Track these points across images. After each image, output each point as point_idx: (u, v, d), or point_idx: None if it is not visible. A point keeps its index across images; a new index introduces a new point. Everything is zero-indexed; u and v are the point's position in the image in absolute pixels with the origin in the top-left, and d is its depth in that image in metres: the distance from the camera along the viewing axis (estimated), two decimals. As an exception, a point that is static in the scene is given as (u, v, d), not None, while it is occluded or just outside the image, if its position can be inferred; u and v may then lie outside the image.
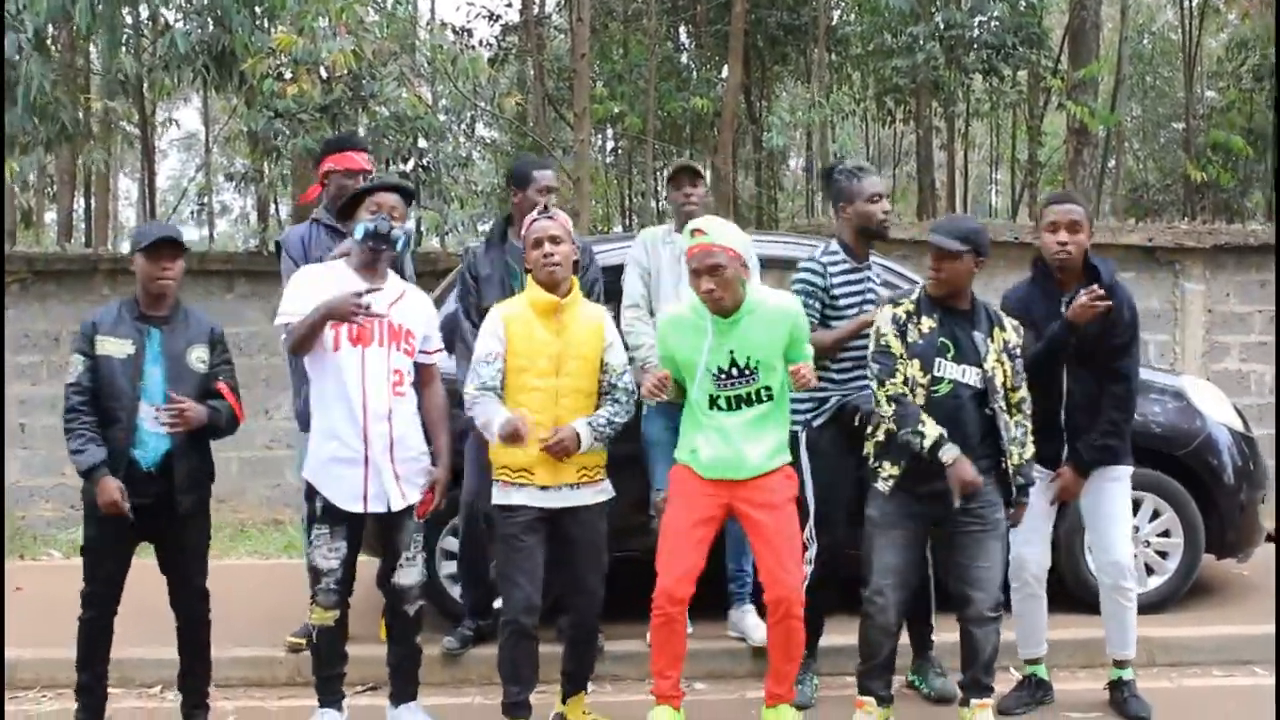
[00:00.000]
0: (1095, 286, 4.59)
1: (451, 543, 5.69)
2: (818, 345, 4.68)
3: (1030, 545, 4.85)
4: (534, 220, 4.57)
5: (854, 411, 4.82)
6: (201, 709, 4.76)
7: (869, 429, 4.62)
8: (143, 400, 4.44)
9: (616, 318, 5.23)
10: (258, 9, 10.06)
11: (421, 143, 10.13)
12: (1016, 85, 16.02)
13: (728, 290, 4.38)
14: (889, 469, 4.48)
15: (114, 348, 4.47)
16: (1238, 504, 6.06)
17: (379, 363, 4.44)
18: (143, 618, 4.93)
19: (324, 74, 9.29)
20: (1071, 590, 5.77)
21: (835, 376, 4.92)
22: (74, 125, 10.42)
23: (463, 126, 15.37)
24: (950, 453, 4.27)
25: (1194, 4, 18.49)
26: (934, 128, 17.25)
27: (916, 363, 4.40)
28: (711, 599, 5.47)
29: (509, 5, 17.25)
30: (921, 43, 13.51)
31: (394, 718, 4.68)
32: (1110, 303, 4.59)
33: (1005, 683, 4.99)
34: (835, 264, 4.97)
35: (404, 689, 4.68)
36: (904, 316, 4.47)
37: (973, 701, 4.51)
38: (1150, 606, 5.59)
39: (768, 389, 4.48)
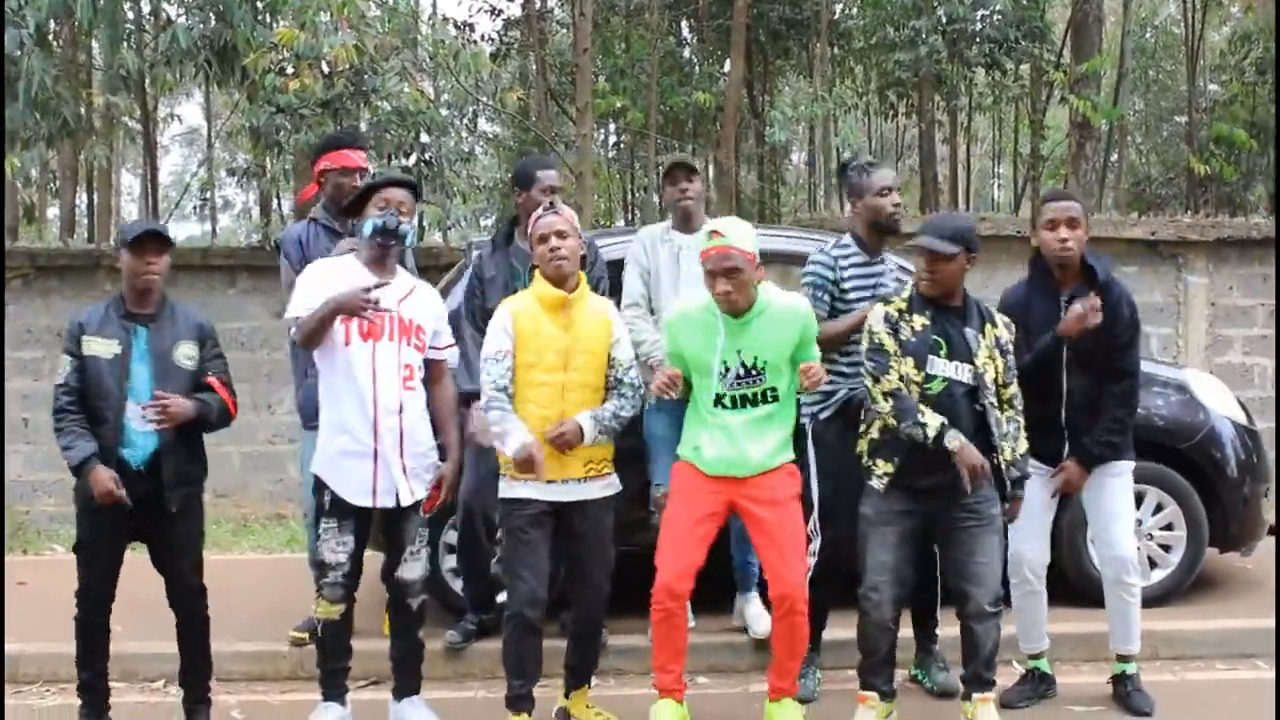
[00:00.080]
0: (1094, 296, 4.59)
1: (454, 537, 5.69)
2: (823, 336, 4.68)
3: (1029, 541, 4.85)
4: (539, 216, 4.58)
5: (860, 405, 4.83)
6: (204, 704, 4.75)
7: (862, 427, 4.63)
8: (130, 399, 4.42)
9: (617, 313, 5.23)
10: (259, 4, 10.06)
11: (423, 138, 10.11)
12: (1019, 79, 16.01)
13: (743, 293, 4.39)
14: (883, 466, 4.48)
15: (101, 348, 4.45)
16: (1241, 497, 6.06)
17: (390, 357, 4.44)
18: (145, 612, 4.94)
19: (326, 69, 9.27)
20: (1074, 584, 5.77)
21: (844, 370, 4.92)
22: (76, 121, 10.40)
23: (465, 121, 15.33)
24: (955, 439, 4.28)
25: (1197, -3, 18.47)
26: (936, 121, 17.24)
27: (910, 360, 4.40)
28: (714, 593, 5.48)
29: (511, 0, 17.26)
30: (924, 36, 13.50)
31: (397, 712, 4.68)
32: (1100, 319, 4.59)
33: (1008, 676, 5.00)
34: (847, 257, 4.98)
35: (407, 683, 4.69)
36: (896, 314, 4.47)
37: (975, 696, 4.51)
38: (1153, 600, 5.60)
39: (773, 390, 4.48)
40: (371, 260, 4.53)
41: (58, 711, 5.10)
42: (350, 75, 9.22)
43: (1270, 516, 6.37)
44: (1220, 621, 5.76)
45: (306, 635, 5.46)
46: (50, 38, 10.73)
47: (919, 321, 4.45)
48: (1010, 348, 4.54)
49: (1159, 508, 5.95)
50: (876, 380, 4.42)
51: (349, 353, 4.41)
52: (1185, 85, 19.24)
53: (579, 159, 10.84)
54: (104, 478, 4.31)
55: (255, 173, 11.24)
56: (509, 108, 13.12)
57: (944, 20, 13.63)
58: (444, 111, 12.34)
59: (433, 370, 4.65)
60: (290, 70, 9.12)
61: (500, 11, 17.16)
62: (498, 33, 17.21)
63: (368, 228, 4.49)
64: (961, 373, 4.41)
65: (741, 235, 4.42)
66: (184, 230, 30.42)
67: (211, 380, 4.58)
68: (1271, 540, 6.48)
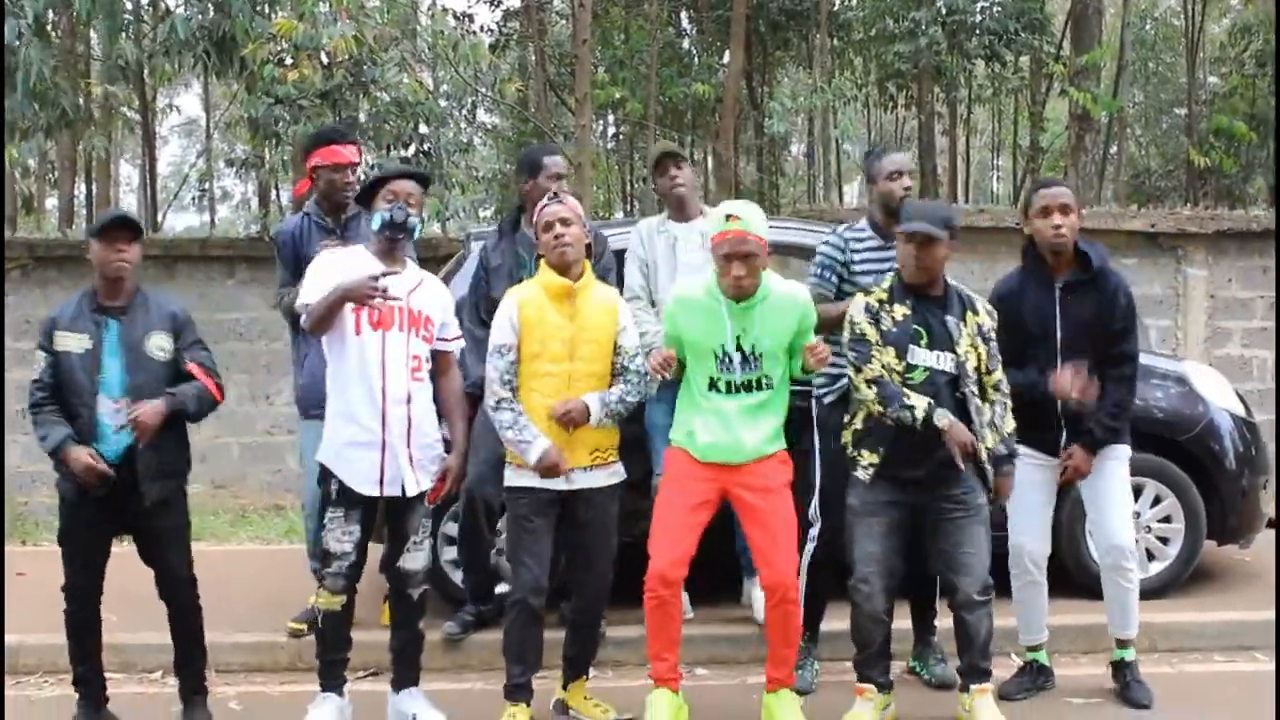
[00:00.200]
0: (1095, 383, 4.61)
1: (454, 528, 5.69)
2: (821, 317, 4.68)
3: (1030, 533, 4.85)
4: (544, 205, 4.59)
5: None
6: (200, 693, 4.76)
7: (846, 417, 4.63)
8: (102, 393, 4.41)
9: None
10: (258, -6, 10.04)
11: (422, 128, 10.10)
12: (1019, 71, 16.01)
13: (754, 278, 4.39)
14: (868, 457, 4.48)
15: (73, 343, 4.45)
16: (1239, 489, 6.06)
17: (399, 348, 4.44)
18: (141, 603, 4.93)
19: (324, 60, 9.26)
20: (1073, 576, 5.77)
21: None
22: (74, 111, 10.39)
23: (464, 112, 15.30)
24: (944, 418, 4.29)
25: (1196, -11, 18.45)
26: (936, 113, 17.24)
27: (891, 350, 4.41)
28: (712, 585, 5.49)
29: (509, -9, 17.25)
30: (924, 28, 13.50)
31: (395, 703, 4.68)
32: (1094, 398, 4.64)
33: (1006, 668, 5.00)
34: (860, 240, 5.01)
35: (406, 674, 4.69)
36: (877, 304, 4.48)
37: (972, 687, 4.51)
38: (1152, 592, 5.60)
39: (768, 378, 4.48)
40: (380, 252, 4.53)
41: (56, 702, 5.09)
42: (349, 66, 9.22)
43: (1269, 509, 6.36)
44: (1219, 614, 5.76)
45: (305, 626, 5.46)
46: (49, 28, 10.70)
47: (900, 311, 4.46)
48: (993, 334, 4.54)
49: (1157, 500, 5.95)
50: (859, 369, 4.43)
51: (359, 342, 4.41)
52: (1185, 77, 19.24)
53: (578, 150, 10.83)
54: (80, 454, 4.30)
55: (254, 164, 11.23)
56: (508, 99, 13.08)
57: (944, 12, 13.63)
58: (443, 102, 12.30)
59: (439, 362, 4.65)
60: (289, 61, 9.11)
61: (499, 2, 17.17)
62: (497, 23, 17.22)
63: (376, 221, 4.50)
64: (943, 362, 4.42)
65: (758, 220, 4.41)
66: (182, 221, 30.37)
67: (191, 367, 4.54)
68: (1270, 533, 6.47)
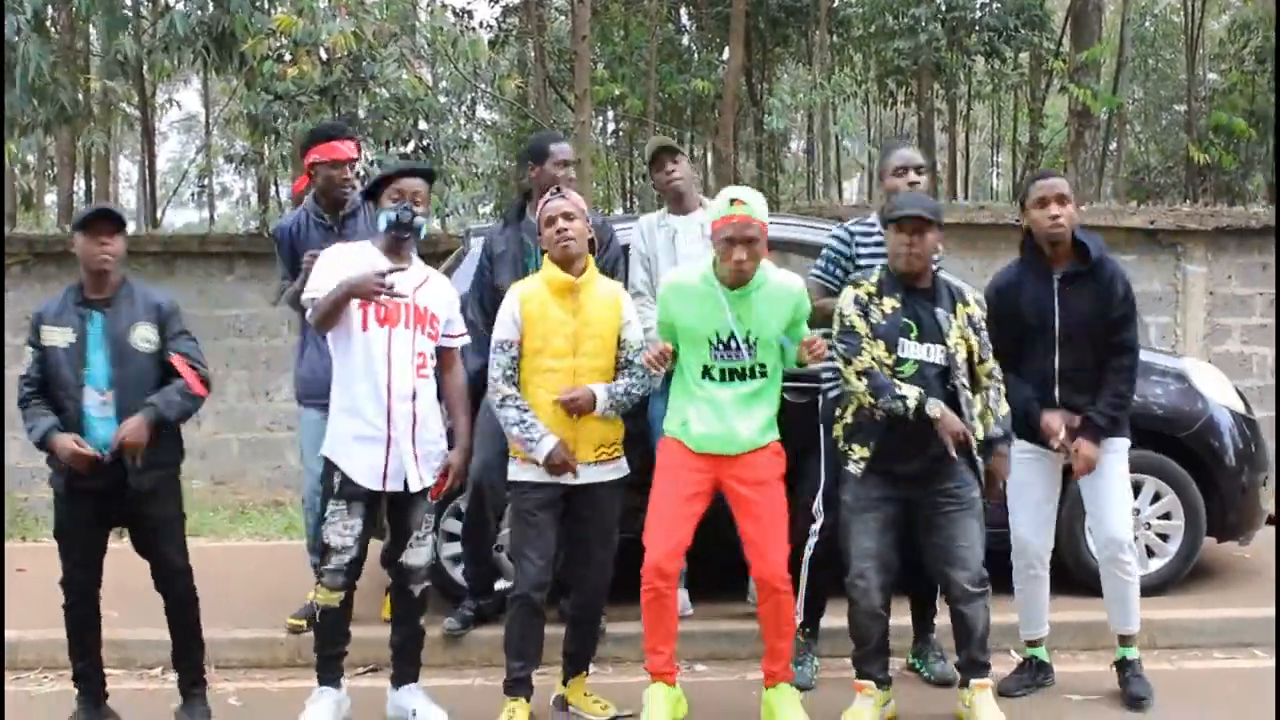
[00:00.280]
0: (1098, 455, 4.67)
1: (453, 525, 5.69)
2: (825, 310, 4.67)
3: (1032, 527, 4.84)
4: (547, 200, 4.59)
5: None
6: (198, 686, 4.75)
7: (837, 411, 4.63)
8: (88, 386, 4.41)
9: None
10: (257, -10, 10.03)
11: (422, 125, 10.10)
12: (1018, 67, 16.01)
13: (755, 263, 4.39)
14: (859, 451, 4.48)
15: (58, 337, 4.44)
16: (1239, 486, 6.05)
17: (404, 344, 4.45)
18: (141, 599, 4.92)
19: (324, 55, 9.26)
20: (1073, 573, 5.76)
21: None
22: (73, 107, 10.38)
23: (463, 108, 15.33)
24: (936, 407, 4.30)
25: (1197, -14, 18.44)
26: (935, 110, 17.25)
27: (881, 344, 4.41)
28: (711, 582, 5.49)
29: (509, -14, 17.22)
30: (923, 24, 13.50)
31: (395, 699, 4.68)
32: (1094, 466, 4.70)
33: (1005, 665, 5.00)
34: (868, 234, 5.01)
35: (406, 670, 4.69)
36: (866, 297, 4.48)
37: (972, 682, 4.50)
38: (1151, 589, 5.58)
39: (762, 366, 4.47)
40: (386, 249, 4.53)
41: (56, 698, 5.09)
42: (348, 62, 9.21)
43: (1269, 505, 6.36)
44: (1218, 610, 5.76)
45: (304, 622, 5.46)
46: (48, 23, 10.70)
47: (889, 304, 4.46)
48: (983, 325, 4.54)
49: (1157, 497, 5.95)
50: (849, 361, 4.42)
51: (366, 338, 4.42)
52: (1184, 74, 19.24)
53: (577, 146, 10.81)
54: (65, 440, 4.30)
55: (253, 159, 11.23)
56: (507, 95, 13.08)
57: (943, 8, 13.64)
58: (442, 98, 12.34)
59: (444, 358, 4.66)
60: (288, 57, 9.10)
61: (498, -2, 17.14)
62: (496, 19, 17.19)
63: (382, 222, 4.50)
64: (933, 354, 4.42)
65: (760, 207, 4.41)
66: (182, 217, 30.44)
67: (173, 359, 4.51)
68: (1270, 529, 6.48)
